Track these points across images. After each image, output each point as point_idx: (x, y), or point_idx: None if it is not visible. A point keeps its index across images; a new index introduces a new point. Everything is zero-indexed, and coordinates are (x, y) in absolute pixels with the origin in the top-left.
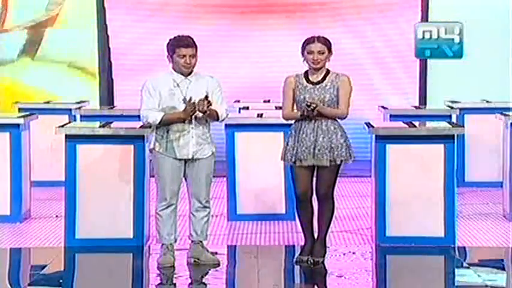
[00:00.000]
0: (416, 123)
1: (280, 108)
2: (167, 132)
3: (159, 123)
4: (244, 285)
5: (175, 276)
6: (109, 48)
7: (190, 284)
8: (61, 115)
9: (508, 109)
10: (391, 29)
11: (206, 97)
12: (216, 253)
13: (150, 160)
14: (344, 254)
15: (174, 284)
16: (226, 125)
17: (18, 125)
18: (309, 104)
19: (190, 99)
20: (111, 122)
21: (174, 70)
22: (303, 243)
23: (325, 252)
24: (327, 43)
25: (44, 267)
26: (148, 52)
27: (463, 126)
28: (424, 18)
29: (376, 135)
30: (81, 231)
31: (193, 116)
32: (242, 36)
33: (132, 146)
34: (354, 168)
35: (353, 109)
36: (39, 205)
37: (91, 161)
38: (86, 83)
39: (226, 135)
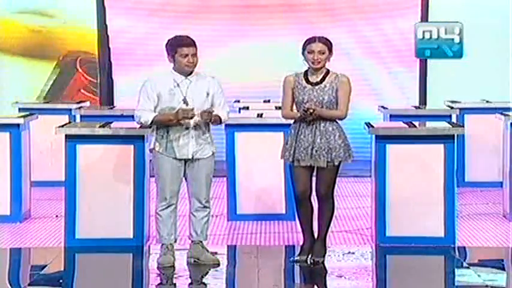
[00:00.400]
0: (416, 123)
1: (280, 108)
2: (167, 132)
3: (151, 123)
4: (244, 285)
5: (175, 276)
6: (109, 48)
7: (190, 284)
8: (61, 115)
9: (508, 109)
10: (391, 29)
11: (210, 112)
12: (216, 253)
13: (150, 160)
14: (344, 254)
15: (174, 284)
16: (226, 125)
17: (18, 125)
18: (306, 109)
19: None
20: (111, 122)
21: (175, 70)
22: (302, 243)
23: (325, 252)
24: (327, 43)
25: (44, 267)
26: (148, 52)
27: (463, 126)
28: (424, 18)
29: (376, 135)
30: (81, 231)
31: (191, 121)
32: (242, 36)
33: (132, 146)
34: (354, 168)
35: (353, 109)
36: (39, 205)
37: (91, 161)
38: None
39: (226, 135)
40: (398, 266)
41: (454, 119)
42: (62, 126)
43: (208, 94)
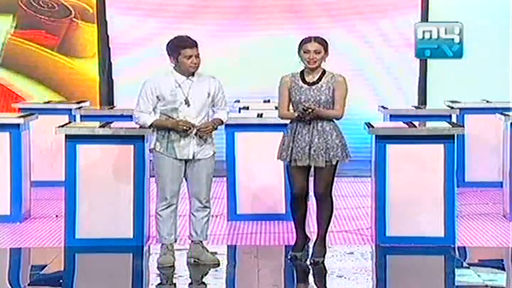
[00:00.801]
0: (416, 123)
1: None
2: (168, 132)
3: (150, 127)
4: (244, 285)
5: (175, 276)
6: (109, 48)
7: (190, 284)
8: (61, 115)
9: (508, 109)
10: (391, 29)
11: (208, 127)
12: (216, 253)
13: (150, 160)
14: (344, 254)
15: (174, 284)
16: (226, 125)
17: (18, 125)
18: (305, 108)
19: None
20: (111, 122)
21: (177, 71)
22: (295, 240)
23: (325, 252)
24: (323, 43)
25: (44, 267)
26: (148, 52)
27: (463, 126)
28: (424, 18)
29: (376, 135)
30: (81, 231)
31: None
32: (242, 36)
33: (132, 146)
34: (354, 168)
35: (353, 109)
36: (39, 205)
37: (91, 161)
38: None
39: (226, 135)
40: (398, 266)
41: (454, 119)
42: (62, 126)
43: (209, 94)
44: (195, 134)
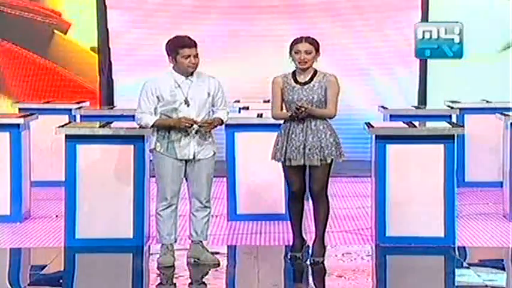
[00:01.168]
0: (416, 123)
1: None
2: (168, 132)
3: (152, 127)
4: (244, 285)
5: (175, 276)
6: (109, 48)
7: (190, 284)
8: (61, 115)
9: (508, 109)
10: (391, 29)
11: (210, 122)
12: (218, 253)
13: (150, 160)
14: (344, 254)
15: (174, 284)
16: (226, 125)
17: (18, 125)
18: (298, 107)
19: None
20: (111, 122)
21: (176, 71)
22: (292, 240)
23: (325, 252)
24: (314, 43)
25: (44, 267)
26: (148, 52)
27: (463, 126)
28: (424, 18)
29: (376, 135)
30: (81, 231)
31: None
32: (242, 36)
33: (132, 146)
34: (354, 168)
35: (353, 109)
36: (39, 205)
37: (91, 161)
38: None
39: (226, 135)
40: (398, 266)
41: (454, 119)
42: (62, 126)
43: (209, 94)
44: (196, 132)
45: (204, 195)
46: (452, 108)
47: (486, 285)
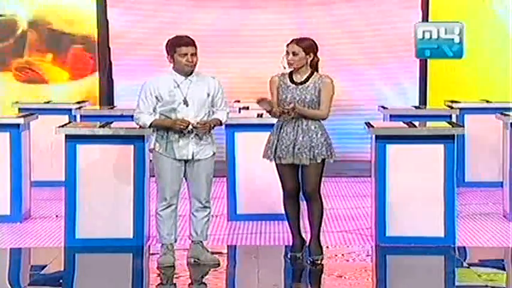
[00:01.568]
0: (416, 123)
1: None
2: (167, 132)
3: (149, 127)
4: (244, 285)
5: (175, 276)
6: (109, 48)
7: (190, 284)
8: (61, 115)
9: (508, 109)
10: (391, 29)
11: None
12: (220, 253)
13: (150, 160)
14: (344, 254)
15: (174, 284)
16: (226, 125)
17: (18, 125)
18: (283, 108)
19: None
20: (111, 122)
21: (175, 70)
22: (292, 241)
23: (322, 251)
24: (303, 45)
25: (44, 267)
26: (148, 52)
27: (463, 126)
28: (424, 18)
29: (376, 135)
30: (81, 231)
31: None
32: (242, 35)
33: (132, 146)
34: (354, 168)
35: (353, 109)
36: (39, 205)
37: (91, 161)
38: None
39: (226, 135)
40: (398, 266)
41: (454, 119)
42: (62, 126)
43: (208, 95)
44: (190, 133)
45: (203, 196)
46: (452, 108)
47: (486, 285)
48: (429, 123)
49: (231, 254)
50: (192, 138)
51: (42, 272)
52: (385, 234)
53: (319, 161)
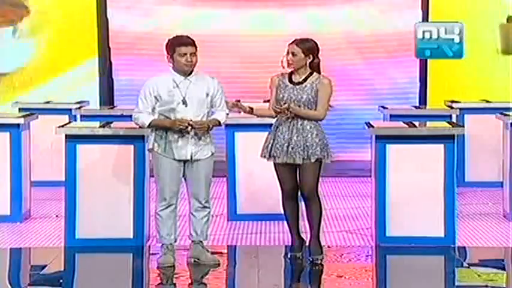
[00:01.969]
0: (416, 123)
1: None
2: (166, 132)
3: (148, 126)
4: (244, 285)
5: (175, 276)
6: (109, 48)
7: (190, 284)
8: (61, 115)
9: (508, 109)
10: (391, 28)
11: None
12: (221, 253)
13: (150, 160)
14: (344, 254)
15: (174, 284)
16: (226, 125)
17: (18, 125)
18: (278, 108)
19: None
20: (111, 122)
21: (175, 70)
22: (291, 241)
23: (322, 251)
24: (302, 46)
25: (44, 267)
26: (148, 52)
27: (463, 126)
28: (424, 18)
29: (376, 135)
30: (81, 231)
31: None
32: (242, 35)
33: (132, 146)
34: (354, 168)
35: (353, 109)
36: (39, 205)
37: (91, 161)
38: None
39: (226, 135)
40: (398, 266)
41: (454, 119)
42: (62, 126)
43: (207, 95)
44: (189, 133)
45: (203, 196)
46: (452, 108)
47: (486, 285)
48: (429, 123)
49: (231, 254)
50: (190, 138)
51: (42, 272)
52: (385, 234)
53: (313, 160)
